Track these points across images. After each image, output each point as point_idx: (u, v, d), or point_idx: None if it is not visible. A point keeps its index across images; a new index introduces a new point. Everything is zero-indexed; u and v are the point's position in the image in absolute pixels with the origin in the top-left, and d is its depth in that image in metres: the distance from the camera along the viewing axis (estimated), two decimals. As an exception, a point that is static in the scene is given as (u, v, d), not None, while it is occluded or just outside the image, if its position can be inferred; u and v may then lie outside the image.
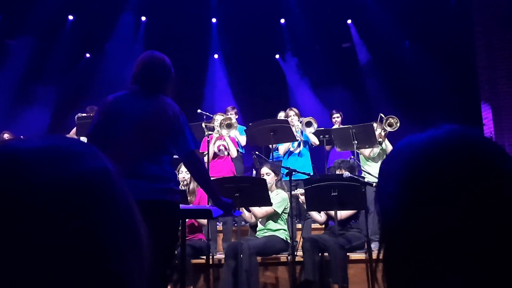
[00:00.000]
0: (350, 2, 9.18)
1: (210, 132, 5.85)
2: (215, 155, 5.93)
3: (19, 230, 0.47)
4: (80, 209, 0.50)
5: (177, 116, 2.72)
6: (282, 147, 6.15)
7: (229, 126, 5.81)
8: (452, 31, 8.38)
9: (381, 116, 5.94)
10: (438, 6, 8.52)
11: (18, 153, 0.51)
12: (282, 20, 9.89)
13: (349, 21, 9.74)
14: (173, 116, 2.69)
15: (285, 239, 4.65)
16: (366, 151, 5.96)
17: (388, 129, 5.85)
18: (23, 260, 0.47)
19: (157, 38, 9.58)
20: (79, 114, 6.61)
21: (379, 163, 5.92)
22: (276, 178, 4.89)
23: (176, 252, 4.38)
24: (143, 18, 9.72)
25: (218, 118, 5.98)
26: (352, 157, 5.61)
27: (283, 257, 4.77)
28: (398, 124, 5.83)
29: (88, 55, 9.87)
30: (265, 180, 4.46)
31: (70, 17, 9.27)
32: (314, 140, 6.18)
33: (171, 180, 2.66)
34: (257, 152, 5.94)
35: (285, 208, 4.73)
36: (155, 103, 2.68)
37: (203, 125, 6.05)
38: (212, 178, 4.90)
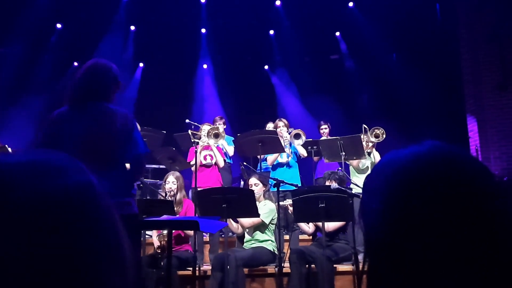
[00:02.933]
0: (339, 15, 9.31)
1: (197, 140, 5.84)
2: (202, 164, 5.91)
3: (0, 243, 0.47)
4: (63, 223, 0.50)
5: (126, 123, 2.57)
6: (271, 158, 6.16)
7: (217, 136, 5.80)
8: (439, 45, 8.53)
9: (364, 127, 5.98)
10: (425, 20, 8.67)
11: (1, 167, 0.51)
12: (272, 32, 9.97)
13: (337, 33, 9.85)
14: (120, 126, 2.55)
15: (272, 250, 4.63)
16: (355, 162, 6.00)
17: (375, 140, 5.89)
18: (3, 274, 0.46)
19: (146, 47, 9.60)
20: None
21: (367, 175, 5.97)
22: (264, 189, 4.89)
23: (162, 263, 4.35)
24: (132, 28, 9.72)
25: (206, 128, 5.97)
26: (340, 168, 5.63)
27: (270, 268, 4.75)
28: (384, 135, 5.87)
29: (76, 63, 9.82)
30: (252, 191, 4.45)
31: (59, 26, 9.23)
32: (303, 152, 6.20)
33: (123, 194, 2.53)
34: (245, 163, 5.93)
35: (272, 219, 4.72)
36: (100, 117, 2.54)
37: (190, 132, 6.05)
38: (199, 189, 4.92)
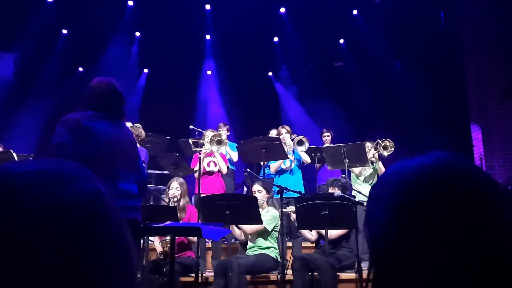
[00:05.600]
0: (343, 22, 9.33)
1: (199, 149, 5.85)
2: (206, 171, 5.92)
3: (11, 252, 0.47)
4: (73, 230, 0.51)
5: (135, 143, 2.90)
6: (274, 165, 6.16)
7: (219, 142, 5.81)
8: (443, 53, 8.53)
9: (378, 141, 5.96)
10: (429, 29, 8.68)
11: (11, 176, 0.52)
12: (276, 39, 10.00)
13: (341, 41, 9.88)
14: (134, 144, 2.86)
15: (275, 257, 4.62)
16: (357, 169, 5.98)
17: (384, 152, 5.86)
18: (17, 282, 0.47)
19: (151, 53, 9.65)
20: None
21: (370, 183, 5.96)
22: (268, 195, 4.88)
23: (164, 269, 4.35)
24: (137, 34, 9.78)
25: (209, 134, 5.98)
26: (343, 176, 5.62)
27: (273, 275, 4.73)
28: (393, 149, 5.84)
29: (81, 69, 9.88)
30: (256, 197, 4.45)
31: (64, 31, 9.30)
32: (306, 159, 6.19)
33: (134, 196, 2.74)
34: (248, 170, 5.93)
35: (275, 226, 4.71)
36: (122, 129, 2.79)
37: (190, 141, 6.06)
38: (202, 195, 4.93)
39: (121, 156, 2.69)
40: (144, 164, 3.04)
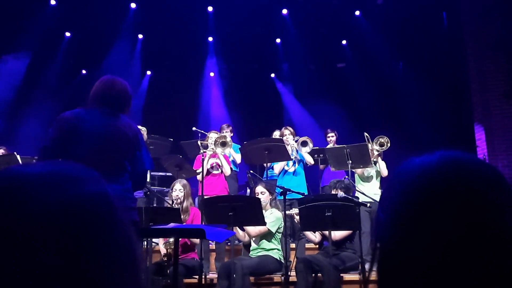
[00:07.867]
0: (345, 24, 9.33)
1: (204, 150, 5.86)
2: (209, 172, 5.92)
3: (21, 253, 0.48)
4: (79, 232, 0.51)
5: (136, 136, 2.76)
6: (277, 166, 6.16)
7: (224, 144, 5.81)
8: (445, 53, 8.53)
9: (366, 136, 5.96)
10: (431, 29, 8.67)
11: (21, 178, 0.52)
12: (278, 40, 10.01)
13: (344, 42, 9.88)
14: (133, 137, 2.73)
15: (278, 259, 4.62)
16: (359, 170, 5.98)
17: (379, 148, 5.86)
18: (26, 284, 0.47)
19: (154, 55, 9.67)
20: None
21: (372, 183, 5.96)
22: (271, 197, 4.88)
23: (168, 271, 4.35)
24: (140, 36, 9.80)
25: (213, 136, 5.98)
26: (346, 176, 5.61)
27: (277, 277, 4.73)
28: (389, 144, 5.84)
29: (84, 71, 9.91)
30: (259, 199, 4.45)
31: (67, 34, 9.34)
32: (309, 160, 6.19)
33: (128, 198, 2.67)
34: (251, 171, 5.93)
35: (279, 228, 4.71)
36: (116, 123, 2.69)
37: (199, 143, 6.07)
38: (205, 197, 4.93)
39: (110, 154, 2.61)
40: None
